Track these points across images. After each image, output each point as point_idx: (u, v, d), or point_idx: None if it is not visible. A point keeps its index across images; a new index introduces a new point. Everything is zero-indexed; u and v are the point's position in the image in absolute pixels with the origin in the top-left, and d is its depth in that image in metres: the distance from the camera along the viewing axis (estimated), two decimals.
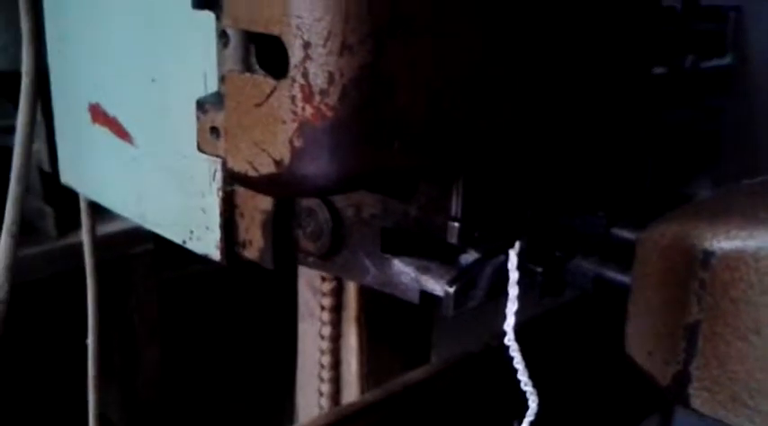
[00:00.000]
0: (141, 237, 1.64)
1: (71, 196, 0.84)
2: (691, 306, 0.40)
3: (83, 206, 0.93)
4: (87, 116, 0.67)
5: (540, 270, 0.51)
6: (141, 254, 1.73)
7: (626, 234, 0.50)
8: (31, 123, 0.76)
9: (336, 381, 1.19)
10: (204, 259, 0.59)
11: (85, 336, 1.16)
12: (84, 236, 0.96)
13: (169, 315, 1.85)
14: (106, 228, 1.53)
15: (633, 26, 0.55)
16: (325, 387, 1.20)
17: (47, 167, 1.53)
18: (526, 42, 0.45)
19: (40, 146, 1.57)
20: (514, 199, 0.50)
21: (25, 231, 1.73)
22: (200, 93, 0.53)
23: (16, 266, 1.25)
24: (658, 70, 0.82)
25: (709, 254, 0.39)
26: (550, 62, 0.48)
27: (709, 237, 0.40)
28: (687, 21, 0.86)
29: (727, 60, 1.03)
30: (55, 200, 1.58)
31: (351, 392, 1.16)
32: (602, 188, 0.54)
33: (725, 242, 0.39)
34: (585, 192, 0.53)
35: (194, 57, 0.53)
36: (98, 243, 1.15)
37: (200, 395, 2.03)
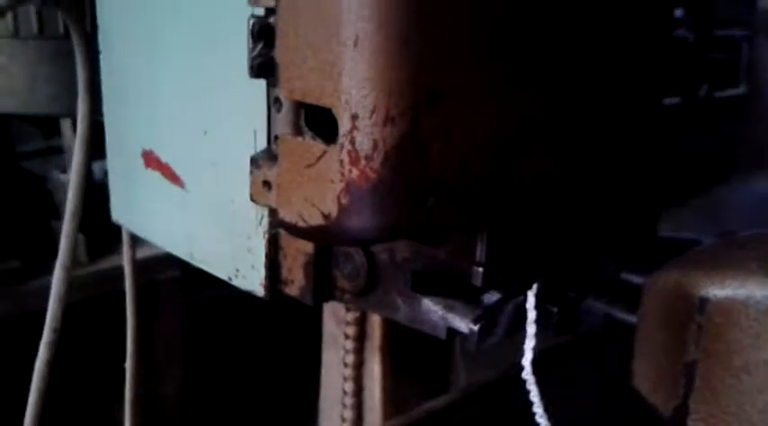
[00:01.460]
0: (169, 264, 1.70)
1: (102, 223, 0.89)
2: (689, 346, 0.46)
3: (125, 238, 0.99)
4: (140, 161, 0.73)
5: (555, 309, 0.57)
6: (168, 280, 1.78)
7: (634, 278, 0.55)
8: (87, 165, 0.82)
9: (359, 408, 1.24)
10: (227, 284, 0.65)
11: (115, 358, 1.22)
12: (126, 267, 1.02)
13: (192, 339, 1.89)
14: (141, 253, 1.59)
15: (645, 78, 0.61)
16: (348, 413, 1.25)
17: None
18: (548, 106, 0.51)
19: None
20: (533, 245, 0.56)
21: (55, 257, 1.80)
22: (250, 148, 0.60)
23: (48, 292, 1.32)
24: (674, 100, 0.85)
25: (704, 301, 0.45)
26: (570, 121, 0.53)
27: (706, 286, 0.45)
28: (701, 51, 0.90)
29: (740, 89, 1.07)
30: (86, 227, 1.65)
31: (373, 418, 1.21)
32: (613, 234, 0.60)
33: (719, 290, 0.44)
34: (598, 238, 0.59)
35: (245, 114, 0.59)
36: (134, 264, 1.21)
37: (223, 419, 2.07)
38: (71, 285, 1.71)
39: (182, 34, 0.65)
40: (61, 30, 0.88)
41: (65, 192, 1.73)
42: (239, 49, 0.56)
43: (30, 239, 1.64)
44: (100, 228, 1.45)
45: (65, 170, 1.65)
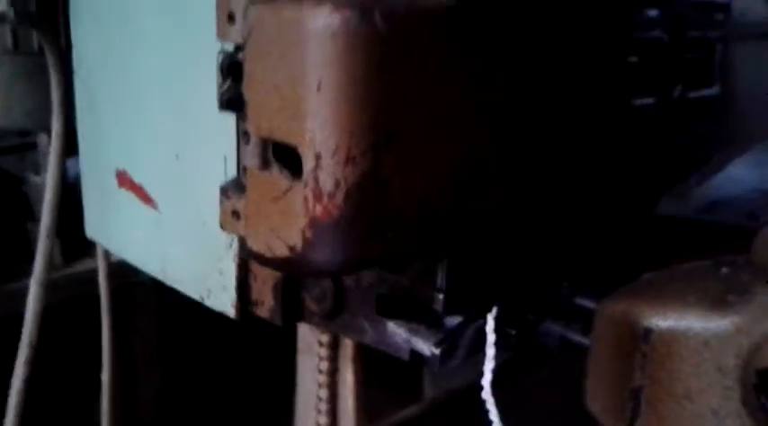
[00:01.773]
0: None
1: (77, 226, 0.90)
2: (635, 373, 0.48)
3: (99, 250, 1.01)
4: (114, 181, 0.75)
5: (513, 332, 0.59)
6: (144, 283, 1.79)
7: (587, 303, 0.58)
8: (60, 183, 0.84)
9: (333, 414, 1.26)
10: None
11: (92, 360, 1.23)
12: (100, 272, 1.03)
13: (169, 341, 1.90)
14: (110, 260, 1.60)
15: (602, 108, 0.64)
16: (323, 419, 1.27)
17: None
18: (504, 140, 0.54)
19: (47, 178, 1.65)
20: (492, 271, 0.58)
21: (32, 259, 1.81)
22: (221, 173, 0.61)
23: (23, 294, 1.33)
24: (647, 100, 0.87)
25: (648, 331, 0.47)
26: (525, 152, 0.56)
27: (650, 316, 0.48)
28: (675, 52, 0.92)
29: (714, 89, 1.10)
30: (61, 230, 1.65)
31: (346, 424, 1.23)
32: (568, 260, 0.62)
33: (661, 321, 0.47)
34: (554, 264, 0.61)
35: (216, 140, 0.61)
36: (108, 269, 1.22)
37: (200, 421, 2.08)
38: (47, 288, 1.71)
39: (155, 60, 0.67)
40: (36, 47, 0.89)
41: (39, 194, 1.73)
42: (210, 79, 0.58)
43: (5, 241, 1.64)
44: (75, 231, 1.46)
45: (39, 171, 1.66)
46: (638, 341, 0.48)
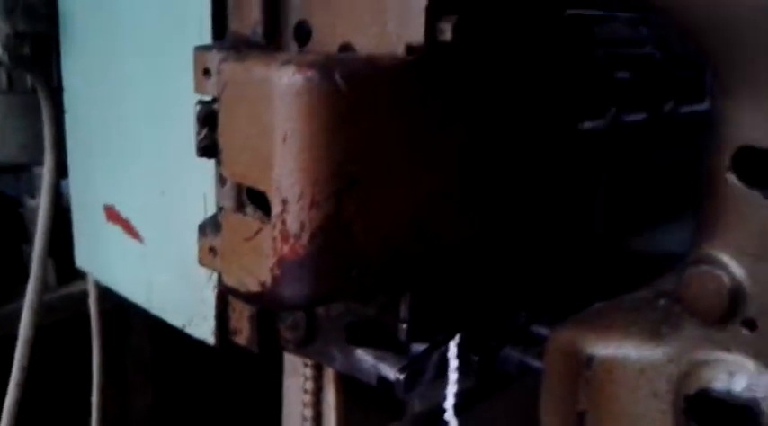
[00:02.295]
0: None
1: (70, 249, 0.94)
2: (580, 396, 0.52)
3: (90, 276, 1.04)
4: (102, 214, 0.79)
5: (476, 358, 0.63)
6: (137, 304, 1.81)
7: (542, 330, 0.62)
8: (52, 211, 0.88)
9: None
10: None
11: (86, 380, 1.26)
12: (92, 302, 1.07)
13: (161, 361, 1.93)
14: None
15: (558, 139, 0.68)
16: None
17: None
18: (461, 181, 0.58)
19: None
20: (453, 302, 0.62)
21: (26, 281, 1.84)
22: (201, 209, 0.66)
23: (17, 315, 1.36)
24: (639, 115, 0.90)
25: (591, 359, 0.51)
26: (483, 190, 0.60)
27: (592, 345, 0.52)
28: (666, 68, 0.94)
29: (704, 104, 1.12)
30: (55, 251, 1.68)
31: None
32: (525, 290, 0.66)
33: (603, 349, 0.51)
34: (512, 294, 0.65)
35: (198, 179, 0.65)
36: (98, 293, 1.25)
37: None
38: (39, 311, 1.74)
39: (140, 103, 0.71)
40: (29, 86, 0.93)
41: (35, 217, 1.76)
42: (191, 123, 0.62)
43: (2, 263, 1.67)
44: (68, 252, 1.49)
45: (34, 195, 1.69)
46: (581, 367, 0.52)
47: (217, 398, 2.17)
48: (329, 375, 1.26)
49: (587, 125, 0.76)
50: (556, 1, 0.56)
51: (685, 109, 0.95)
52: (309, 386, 1.30)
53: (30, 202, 1.72)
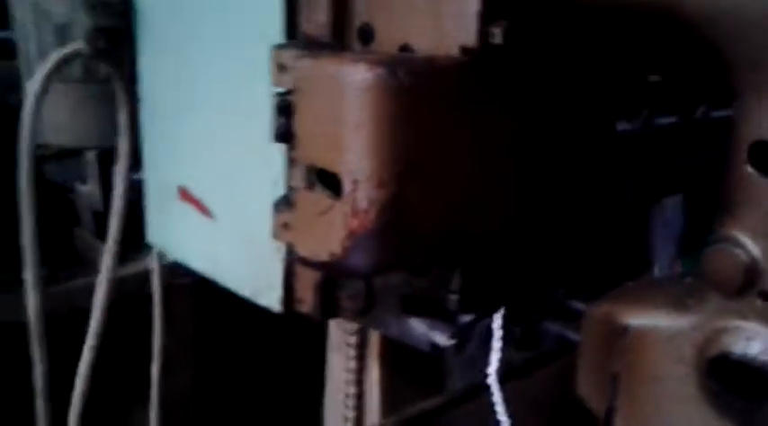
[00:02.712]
0: (182, 271, 1.83)
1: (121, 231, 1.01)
2: (614, 361, 0.59)
3: (153, 255, 1.13)
4: (175, 195, 0.87)
5: (518, 329, 0.70)
6: (181, 285, 1.90)
7: (578, 305, 0.68)
8: (126, 195, 0.96)
9: (360, 409, 1.37)
10: None
11: (128, 361, 1.34)
12: (154, 278, 1.15)
13: (204, 342, 2.01)
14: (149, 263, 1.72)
15: (600, 129, 0.74)
16: (350, 414, 1.38)
17: (99, 207, 1.75)
18: (511, 167, 0.64)
19: (93, 188, 1.78)
20: (499, 278, 0.69)
21: (78, 263, 1.94)
22: (271, 190, 0.73)
23: (69, 296, 1.44)
24: (670, 119, 0.95)
25: (625, 328, 0.58)
26: (529, 180, 0.67)
27: (627, 316, 0.58)
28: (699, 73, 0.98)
29: None
30: (105, 236, 1.77)
31: (372, 418, 1.34)
32: (564, 269, 0.73)
33: (635, 320, 0.57)
34: (553, 272, 0.72)
35: (267, 163, 0.72)
36: (144, 276, 1.34)
37: (233, 419, 2.19)
38: (89, 288, 1.84)
39: (213, 93, 0.79)
40: (102, 76, 1.01)
41: (85, 202, 1.86)
42: (264, 112, 0.69)
43: (54, 247, 1.77)
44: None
45: (84, 180, 1.79)
46: (617, 335, 0.58)
47: (258, 377, 2.25)
48: (372, 353, 1.34)
49: (622, 126, 0.82)
50: (596, 17, 0.62)
51: (718, 113, 0.97)
52: (353, 364, 1.38)
53: (80, 188, 1.81)
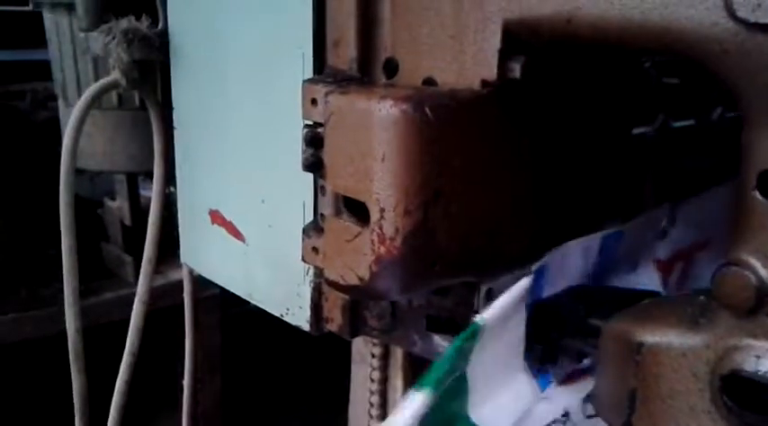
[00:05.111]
0: (209, 283, 1.87)
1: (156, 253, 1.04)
2: (630, 377, 0.61)
3: (185, 271, 1.17)
4: (207, 218, 0.90)
5: (540, 346, 0.73)
6: (208, 298, 1.95)
7: (597, 322, 0.71)
8: (160, 220, 1.00)
9: (383, 418, 1.40)
10: None
11: (156, 372, 1.37)
12: (186, 288, 1.19)
13: (230, 354, 2.05)
14: (177, 275, 1.77)
15: (617, 145, 0.77)
16: (374, 423, 1.41)
17: (127, 222, 1.80)
18: (531, 192, 0.68)
19: (122, 204, 1.84)
20: None
21: (106, 277, 1.99)
22: (300, 216, 0.76)
23: (97, 310, 1.47)
24: (688, 122, 0.97)
25: (640, 345, 0.60)
26: (547, 201, 0.70)
27: (642, 334, 0.61)
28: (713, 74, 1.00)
29: None
30: (133, 250, 1.82)
31: None
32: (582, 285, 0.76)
33: (650, 337, 0.60)
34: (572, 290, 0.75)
35: (297, 189, 0.76)
36: (173, 288, 1.37)
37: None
38: (117, 301, 1.88)
39: (244, 123, 0.83)
40: (137, 103, 1.06)
41: (114, 218, 1.90)
42: (293, 141, 0.72)
43: (83, 261, 1.82)
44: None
45: (113, 197, 1.84)
46: (632, 352, 0.61)
47: (283, 388, 2.29)
48: (396, 364, 1.37)
49: (637, 131, 0.84)
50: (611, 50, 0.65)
51: (733, 115, 0.99)
52: (377, 375, 1.41)
53: (109, 204, 1.86)
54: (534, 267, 0.65)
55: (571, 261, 0.71)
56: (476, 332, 0.62)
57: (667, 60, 0.91)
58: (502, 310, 0.64)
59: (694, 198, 0.84)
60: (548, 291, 0.69)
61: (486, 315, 0.63)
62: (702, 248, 0.89)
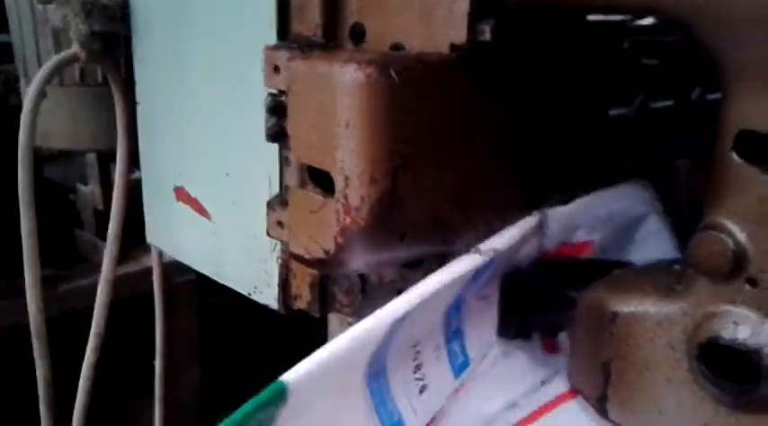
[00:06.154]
0: (185, 268, 1.84)
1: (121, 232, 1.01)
2: (605, 348, 0.60)
3: (153, 252, 1.14)
4: (172, 195, 0.87)
5: (514, 318, 0.71)
6: (184, 283, 1.91)
7: (572, 294, 0.69)
8: (125, 198, 0.97)
9: None
10: None
11: (133, 359, 1.35)
12: (155, 273, 1.16)
13: (207, 340, 2.02)
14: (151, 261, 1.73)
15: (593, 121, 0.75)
16: None
17: (100, 207, 1.76)
18: (499, 161, 0.65)
19: (94, 188, 1.80)
20: None
21: (79, 262, 1.95)
22: (265, 190, 0.74)
23: (72, 296, 1.44)
24: (667, 103, 0.96)
25: (615, 315, 0.59)
26: (520, 167, 0.68)
27: (616, 303, 0.59)
28: (693, 55, 0.99)
29: None
30: (106, 235, 1.79)
31: None
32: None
33: (625, 307, 0.58)
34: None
35: (261, 162, 0.73)
36: (146, 274, 1.34)
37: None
38: (90, 287, 1.84)
39: (207, 95, 0.80)
40: (100, 79, 1.02)
41: (86, 203, 1.86)
42: (255, 113, 0.70)
43: (55, 247, 1.78)
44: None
45: (85, 181, 1.80)
46: (607, 322, 0.60)
47: (261, 377, 2.27)
48: None
49: (615, 112, 0.83)
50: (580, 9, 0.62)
51: (713, 96, 0.97)
52: None
53: (82, 189, 1.82)
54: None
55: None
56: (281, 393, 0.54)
57: (646, 41, 0.89)
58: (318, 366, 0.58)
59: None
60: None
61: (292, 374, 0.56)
62: None
